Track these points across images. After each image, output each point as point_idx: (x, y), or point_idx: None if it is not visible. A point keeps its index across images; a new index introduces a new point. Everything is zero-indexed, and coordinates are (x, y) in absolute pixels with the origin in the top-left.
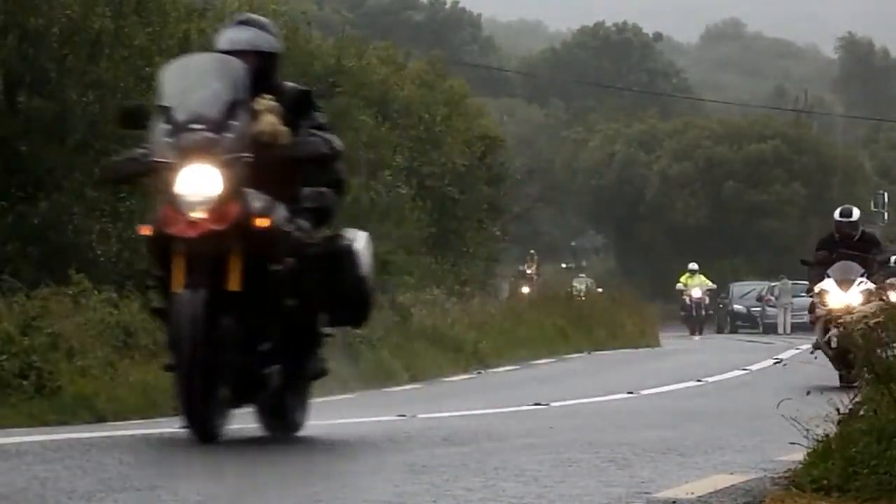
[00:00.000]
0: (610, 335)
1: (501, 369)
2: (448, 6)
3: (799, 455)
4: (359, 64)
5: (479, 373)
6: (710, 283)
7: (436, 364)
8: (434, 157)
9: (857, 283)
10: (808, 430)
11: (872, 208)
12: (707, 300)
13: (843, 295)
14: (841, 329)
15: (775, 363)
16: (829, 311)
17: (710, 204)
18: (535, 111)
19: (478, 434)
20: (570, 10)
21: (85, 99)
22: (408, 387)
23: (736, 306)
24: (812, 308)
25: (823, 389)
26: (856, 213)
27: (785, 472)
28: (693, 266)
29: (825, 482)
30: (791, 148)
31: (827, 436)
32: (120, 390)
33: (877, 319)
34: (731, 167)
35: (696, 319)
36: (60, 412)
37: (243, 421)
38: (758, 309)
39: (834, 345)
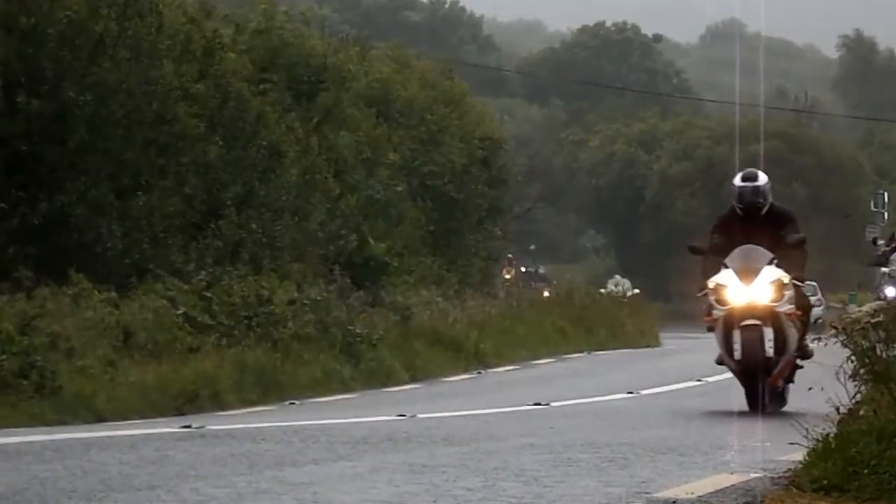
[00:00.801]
0: (610, 335)
1: (501, 369)
2: (448, 6)
3: (799, 455)
4: (360, 66)
5: (479, 373)
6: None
7: (436, 364)
8: (434, 156)
9: (763, 271)
10: (808, 429)
11: (872, 208)
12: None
13: (746, 289)
14: (747, 333)
15: None
16: (730, 312)
17: (710, 204)
18: (535, 111)
19: (478, 434)
20: (570, 10)
21: (83, 99)
22: (408, 387)
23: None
24: (708, 310)
25: (824, 390)
26: (762, 177)
27: (785, 472)
28: None
29: (825, 482)
30: (791, 148)
31: (827, 436)
32: (120, 390)
33: (877, 319)
34: (731, 167)
35: None
36: (60, 412)
37: (244, 421)
38: None
39: (738, 356)
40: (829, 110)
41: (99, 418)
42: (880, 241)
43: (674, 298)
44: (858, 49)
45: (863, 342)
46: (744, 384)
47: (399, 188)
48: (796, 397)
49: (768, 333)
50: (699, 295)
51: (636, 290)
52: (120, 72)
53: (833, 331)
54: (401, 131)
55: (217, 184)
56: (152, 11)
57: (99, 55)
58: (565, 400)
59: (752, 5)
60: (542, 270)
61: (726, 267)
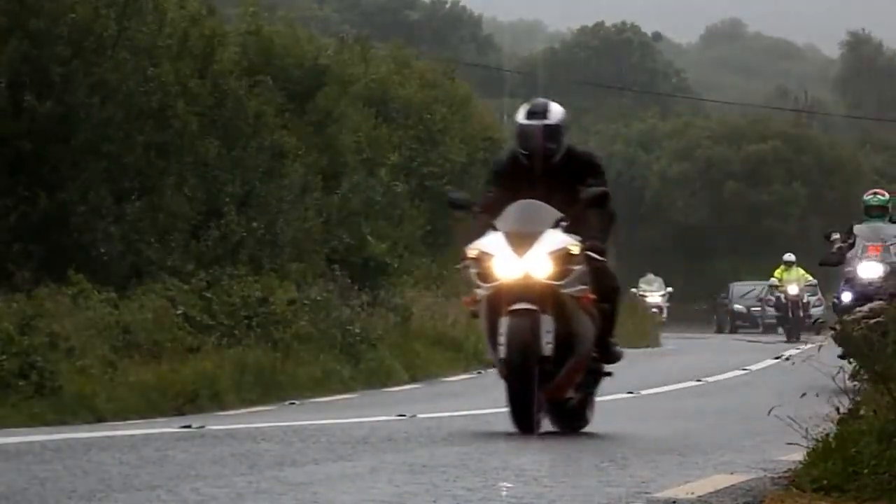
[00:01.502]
0: None
1: None
2: (448, 5)
3: (799, 455)
4: (360, 66)
5: (479, 373)
6: (809, 278)
7: (436, 364)
8: (433, 156)
9: (544, 236)
10: (807, 430)
11: None
12: (806, 298)
13: (519, 261)
14: (516, 321)
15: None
16: (497, 291)
17: (710, 204)
18: None
19: (478, 434)
20: (570, 10)
21: (88, 101)
22: (408, 387)
23: (736, 306)
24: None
25: (823, 390)
26: (556, 111)
27: (785, 472)
28: (789, 257)
29: (825, 482)
30: (791, 148)
31: (827, 436)
32: (120, 390)
33: (877, 319)
34: (731, 167)
35: (793, 321)
36: (60, 412)
37: (244, 421)
38: (758, 309)
39: (504, 353)
40: (829, 110)
41: (99, 418)
42: (835, 236)
43: (674, 298)
44: (859, 49)
45: (863, 342)
46: (511, 393)
47: (399, 188)
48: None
49: (546, 323)
50: (458, 267)
51: (670, 289)
52: (120, 72)
53: (833, 331)
54: (399, 131)
55: (217, 183)
56: (153, 10)
57: (100, 55)
58: None
59: (752, 5)
60: None
61: (495, 230)
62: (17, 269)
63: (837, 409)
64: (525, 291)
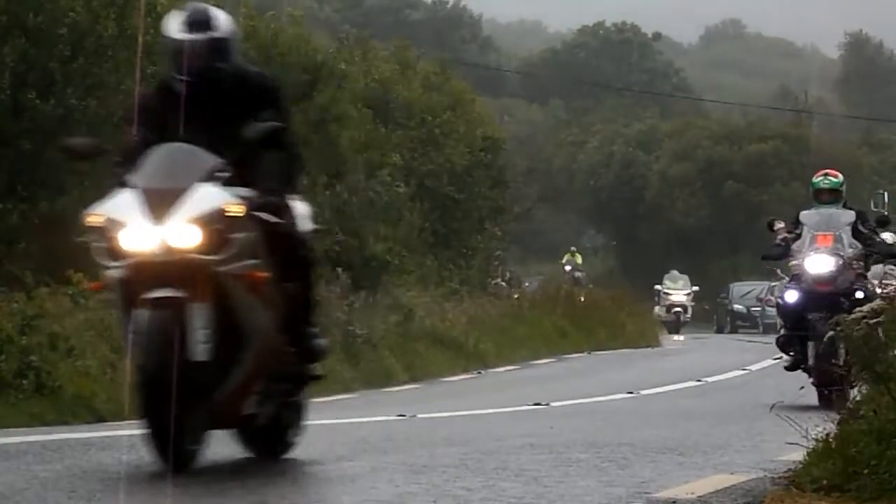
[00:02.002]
0: (610, 335)
1: (501, 369)
2: (450, 5)
3: (799, 455)
4: (361, 66)
5: (479, 373)
6: None
7: (436, 364)
8: (434, 157)
9: (190, 194)
10: (807, 430)
11: (872, 208)
12: None
13: (156, 229)
14: (154, 314)
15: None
16: (133, 269)
17: (710, 204)
18: (535, 111)
19: (478, 434)
20: (570, 10)
21: (85, 104)
22: (408, 387)
23: (736, 306)
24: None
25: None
26: (222, 20)
27: (785, 472)
28: None
29: (825, 482)
30: (791, 148)
31: (827, 436)
32: (119, 390)
33: (877, 319)
34: (731, 167)
35: None
36: (60, 412)
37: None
38: (758, 309)
39: (142, 358)
40: (829, 110)
41: (99, 418)
42: (779, 225)
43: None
44: (859, 49)
45: (863, 342)
46: (146, 412)
47: (400, 189)
48: (796, 397)
49: (198, 314)
50: (80, 240)
51: (695, 288)
52: (119, 73)
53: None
54: (400, 132)
55: None
56: (150, 12)
57: (100, 56)
58: (565, 400)
59: (752, 5)
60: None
61: (130, 186)
62: (17, 269)
63: (838, 410)
64: (165, 271)
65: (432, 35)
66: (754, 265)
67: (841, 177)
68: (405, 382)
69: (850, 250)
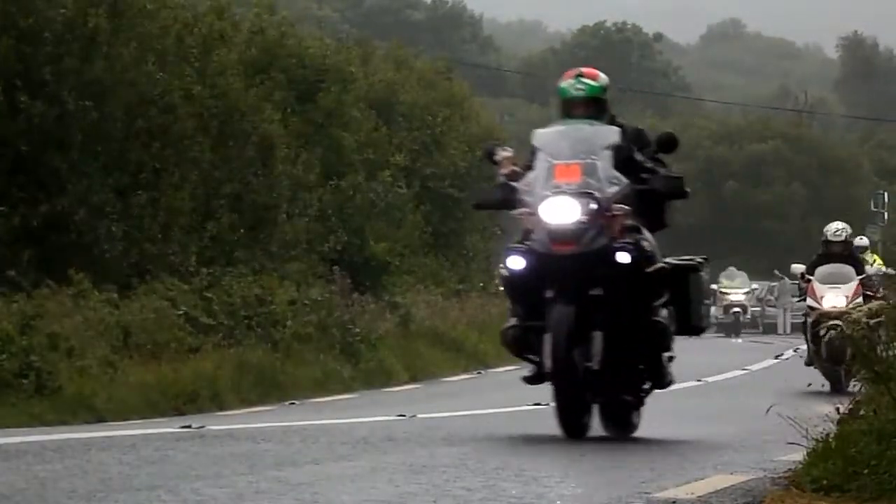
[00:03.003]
0: None
1: (501, 369)
2: (449, 5)
3: (799, 455)
4: (362, 68)
5: (479, 373)
6: (882, 268)
7: (436, 364)
8: (435, 157)
9: None
10: (807, 430)
11: (872, 208)
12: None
13: None
14: None
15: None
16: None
17: (710, 204)
18: (535, 111)
19: (478, 434)
20: (570, 10)
21: (82, 103)
22: (408, 387)
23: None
24: None
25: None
26: None
27: (785, 472)
28: (860, 241)
29: (825, 482)
30: (791, 148)
31: (827, 436)
32: (119, 390)
33: (877, 319)
34: (731, 167)
35: None
36: (60, 412)
37: (244, 421)
38: (758, 309)
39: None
40: (829, 110)
41: (99, 418)
42: (503, 154)
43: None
44: (858, 49)
45: (863, 342)
46: None
47: (402, 190)
48: (796, 397)
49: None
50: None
51: (755, 286)
52: (115, 71)
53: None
54: (402, 133)
55: (213, 182)
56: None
57: (93, 54)
58: None
59: (752, 5)
60: None
61: None
62: (18, 271)
63: (837, 409)
64: None
65: (432, 35)
66: (754, 265)
67: (604, 79)
68: (405, 382)
69: (611, 188)
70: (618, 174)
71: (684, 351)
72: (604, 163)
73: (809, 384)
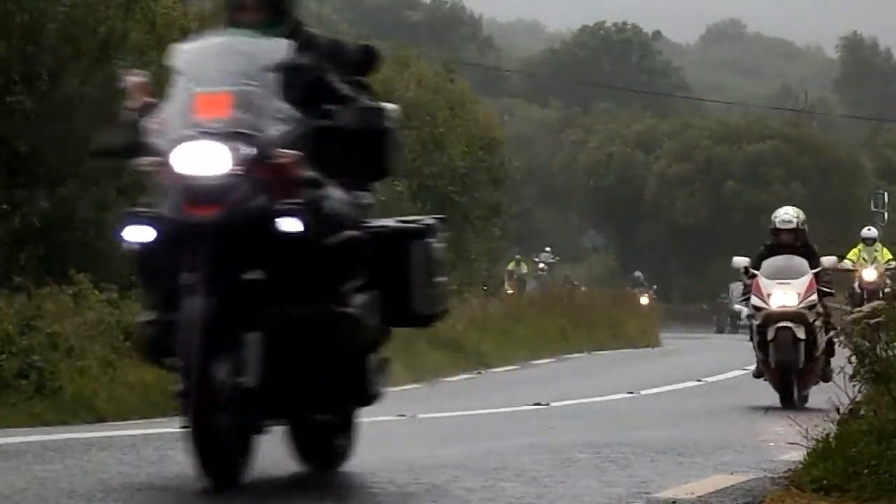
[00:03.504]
0: (610, 335)
1: (501, 369)
2: (449, 5)
3: (799, 455)
4: None
5: (479, 373)
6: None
7: (436, 364)
8: (436, 157)
9: None
10: (807, 430)
11: (872, 208)
12: (889, 286)
13: None
14: None
15: None
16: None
17: (710, 204)
18: (535, 111)
19: (478, 434)
20: (570, 10)
21: (81, 101)
22: (408, 387)
23: (736, 306)
24: None
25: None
26: None
27: (785, 472)
28: (868, 232)
29: (825, 482)
30: (791, 148)
31: (827, 436)
32: (120, 390)
33: (877, 319)
34: (731, 167)
35: None
36: (60, 412)
37: None
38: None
39: None
40: (829, 110)
41: (99, 418)
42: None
43: (674, 298)
44: (858, 49)
45: (863, 342)
46: None
47: (400, 188)
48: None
49: None
50: None
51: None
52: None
53: (833, 332)
54: (405, 132)
55: None
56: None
57: (104, 56)
58: (565, 400)
59: (752, 5)
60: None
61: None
62: (18, 271)
63: (837, 409)
64: None
65: (432, 35)
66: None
67: None
68: (405, 382)
69: (276, 126)
70: (286, 106)
71: (684, 351)
72: (266, 90)
73: (766, 410)
